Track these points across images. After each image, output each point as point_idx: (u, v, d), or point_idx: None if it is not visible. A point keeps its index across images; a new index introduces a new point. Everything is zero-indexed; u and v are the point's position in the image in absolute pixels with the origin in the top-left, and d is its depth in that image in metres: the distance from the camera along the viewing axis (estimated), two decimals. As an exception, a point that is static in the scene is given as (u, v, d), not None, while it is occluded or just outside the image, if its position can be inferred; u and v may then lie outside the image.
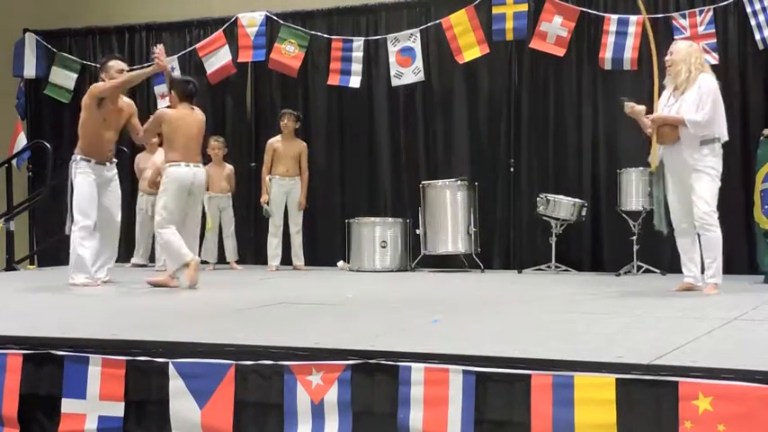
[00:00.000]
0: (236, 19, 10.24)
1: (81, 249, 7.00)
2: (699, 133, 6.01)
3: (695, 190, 6.02)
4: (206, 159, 9.48)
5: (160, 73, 10.54)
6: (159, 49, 7.15)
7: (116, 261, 10.39)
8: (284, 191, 9.24)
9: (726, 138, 6.16)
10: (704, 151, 6.03)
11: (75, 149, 7.21)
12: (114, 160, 7.34)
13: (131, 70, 7.56)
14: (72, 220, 7.13)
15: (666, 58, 6.32)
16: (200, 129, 7.26)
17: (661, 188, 6.29)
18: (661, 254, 8.54)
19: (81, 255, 7.00)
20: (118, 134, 7.38)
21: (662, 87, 6.38)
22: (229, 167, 9.50)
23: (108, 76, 7.12)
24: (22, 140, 10.85)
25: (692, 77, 6.11)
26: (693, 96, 6.07)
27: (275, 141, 9.31)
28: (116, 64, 7.22)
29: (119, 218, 7.40)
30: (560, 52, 9.05)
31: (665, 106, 6.25)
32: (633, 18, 8.81)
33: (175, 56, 10.57)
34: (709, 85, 6.08)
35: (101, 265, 7.29)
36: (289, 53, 10.00)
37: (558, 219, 8.50)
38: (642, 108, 6.46)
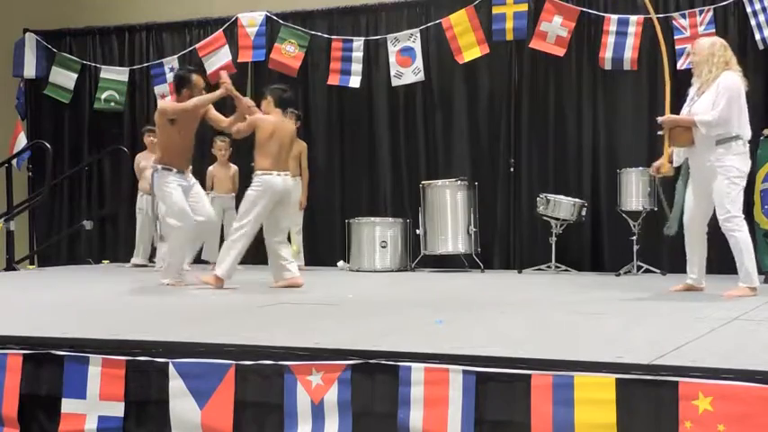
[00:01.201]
0: (237, 19, 10.25)
1: (178, 253, 7.17)
2: (711, 133, 5.83)
3: (714, 194, 5.87)
4: (211, 159, 9.52)
5: (161, 73, 10.63)
6: (225, 77, 7.28)
7: (115, 261, 10.51)
8: (285, 191, 9.23)
9: (747, 135, 5.93)
10: (720, 151, 5.85)
11: (155, 160, 7.30)
12: (190, 169, 7.41)
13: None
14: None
15: (690, 59, 6.16)
16: (292, 138, 7.30)
17: (682, 189, 6.16)
18: (661, 254, 8.56)
19: (173, 262, 7.16)
20: (193, 141, 7.46)
21: (690, 86, 6.20)
22: (234, 168, 9.50)
23: (196, 92, 7.18)
24: (22, 140, 10.85)
25: (713, 77, 5.92)
26: (710, 96, 5.89)
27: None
28: (200, 81, 7.31)
29: (216, 221, 7.62)
30: (560, 52, 9.05)
31: (687, 105, 6.09)
32: (633, 18, 8.82)
33: (175, 56, 10.59)
34: (727, 83, 5.87)
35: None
36: (289, 53, 10.00)
37: (558, 219, 8.51)
38: (661, 163, 6.24)
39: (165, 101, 7.30)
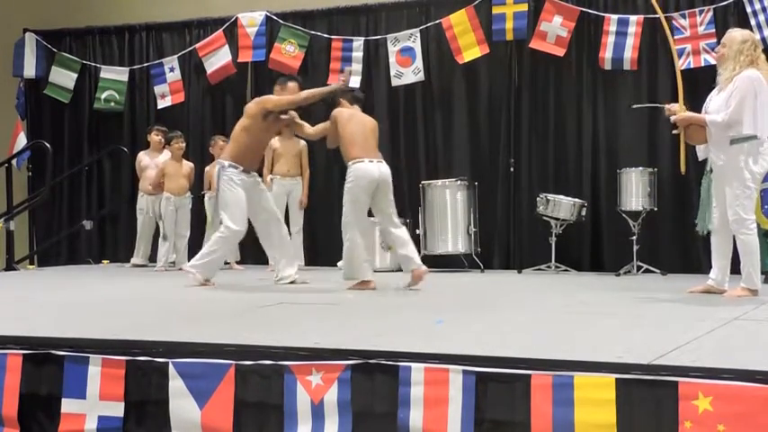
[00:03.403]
0: (236, 19, 10.26)
1: (219, 253, 6.91)
2: (722, 133, 5.74)
3: (726, 195, 5.81)
4: (210, 158, 9.52)
5: (161, 73, 10.64)
6: (347, 71, 7.25)
7: (115, 261, 10.51)
8: (285, 191, 9.24)
9: (764, 136, 5.75)
10: (733, 151, 5.74)
11: (223, 156, 7.14)
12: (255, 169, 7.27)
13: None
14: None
15: (718, 48, 6.02)
16: (374, 128, 7.00)
17: (705, 183, 6.07)
18: (661, 254, 8.56)
19: (213, 259, 6.90)
20: (265, 148, 7.44)
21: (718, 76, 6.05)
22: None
23: (283, 93, 7.07)
24: (22, 140, 10.86)
25: (735, 75, 5.78)
26: (726, 95, 5.78)
27: (274, 141, 9.29)
28: (296, 86, 7.13)
29: (280, 216, 7.34)
30: (560, 52, 9.06)
31: (709, 99, 5.99)
32: (633, 18, 8.83)
33: (175, 56, 10.59)
34: (741, 82, 5.73)
35: (285, 264, 7.15)
36: (289, 53, 10.01)
37: (558, 219, 8.51)
38: (678, 107, 6.08)
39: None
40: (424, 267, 6.77)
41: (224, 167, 6.95)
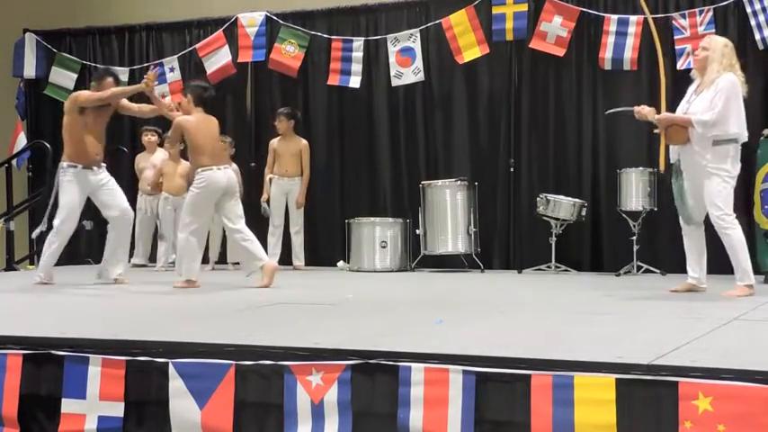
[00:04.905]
0: (236, 19, 10.25)
1: (48, 252, 7.20)
2: (707, 133, 5.82)
3: (707, 193, 5.87)
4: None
5: (161, 73, 10.63)
6: (152, 73, 7.36)
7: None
8: (284, 191, 9.25)
9: (744, 138, 5.93)
10: (715, 152, 5.83)
11: (63, 157, 7.25)
12: (103, 165, 7.32)
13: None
14: (47, 224, 7.39)
15: (698, 51, 6.07)
16: (218, 131, 7.27)
17: (677, 185, 6.11)
18: (661, 254, 8.55)
19: (46, 262, 7.22)
20: (104, 134, 7.43)
21: (691, 80, 6.18)
22: (234, 167, 9.51)
23: (100, 88, 7.24)
24: (22, 140, 10.85)
25: (716, 77, 5.88)
26: (709, 95, 5.87)
27: (274, 141, 9.35)
28: (111, 82, 7.33)
29: (130, 214, 7.51)
30: (560, 52, 9.05)
31: (686, 102, 6.08)
32: (633, 18, 8.82)
33: (175, 56, 10.59)
34: (725, 83, 5.84)
35: (118, 261, 7.43)
36: (289, 53, 10.01)
37: (558, 219, 8.51)
38: (651, 109, 6.21)
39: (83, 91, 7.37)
40: (274, 262, 6.97)
41: (63, 169, 7.11)
